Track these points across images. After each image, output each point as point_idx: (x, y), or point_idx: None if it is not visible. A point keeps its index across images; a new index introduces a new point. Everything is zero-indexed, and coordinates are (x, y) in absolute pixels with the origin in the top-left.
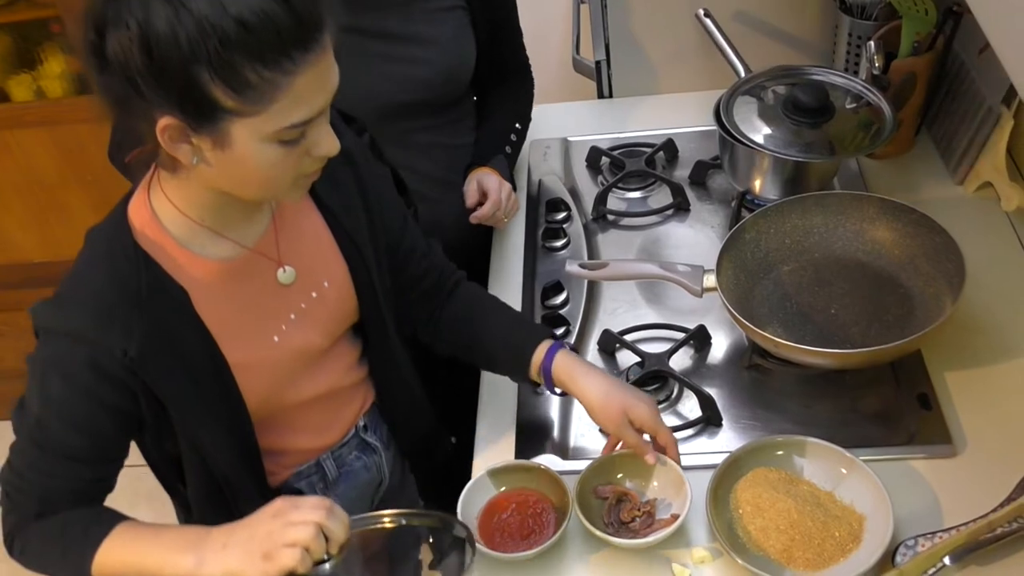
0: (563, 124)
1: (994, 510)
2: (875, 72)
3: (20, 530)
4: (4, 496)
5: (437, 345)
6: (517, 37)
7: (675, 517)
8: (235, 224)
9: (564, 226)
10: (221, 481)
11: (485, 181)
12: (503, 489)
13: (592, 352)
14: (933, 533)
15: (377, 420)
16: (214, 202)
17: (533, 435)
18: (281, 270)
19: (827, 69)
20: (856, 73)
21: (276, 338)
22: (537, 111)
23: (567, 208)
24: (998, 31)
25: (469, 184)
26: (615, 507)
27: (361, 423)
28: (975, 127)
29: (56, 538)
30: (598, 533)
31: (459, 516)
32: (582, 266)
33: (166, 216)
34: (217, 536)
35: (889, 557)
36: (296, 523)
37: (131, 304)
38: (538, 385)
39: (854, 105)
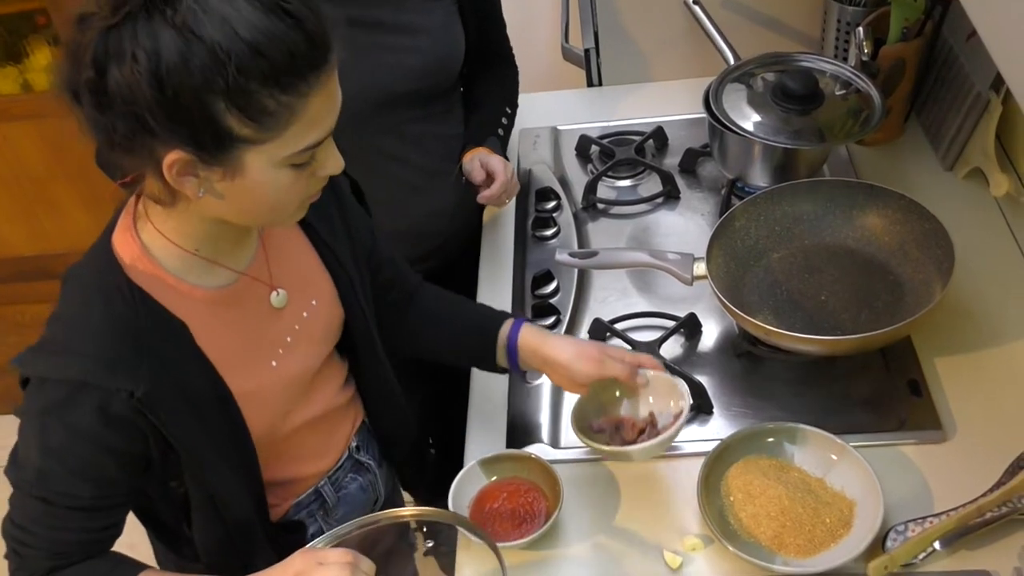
0: (552, 113)
1: (984, 495)
2: (864, 59)
3: None
4: (11, 552)
5: (404, 349)
6: (502, 27)
7: (679, 415)
8: (227, 251)
9: (554, 215)
10: (227, 517)
11: (489, 162)
12: (494, 479)
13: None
14: (923, 518)
15: (368, 438)
16: (208, 231)
17: (524, 426)
18: (274, 293)
19: (816, 56)
20: (845, 60)
21: (274, 363)
22: (526, 100)
23: (557, 197)
24: (984, 17)
25: (471, 163)
26: (616, 434)
27: (354, 443)
28: (964, 113)
29: None
30: (607, 448)
31: (450, 506)
32: (572, 255)
33: (157, 248)
34: None
35: (879, 542)
36: None
37: (132, 344)
38: (506, 370)
39: (843, 92)
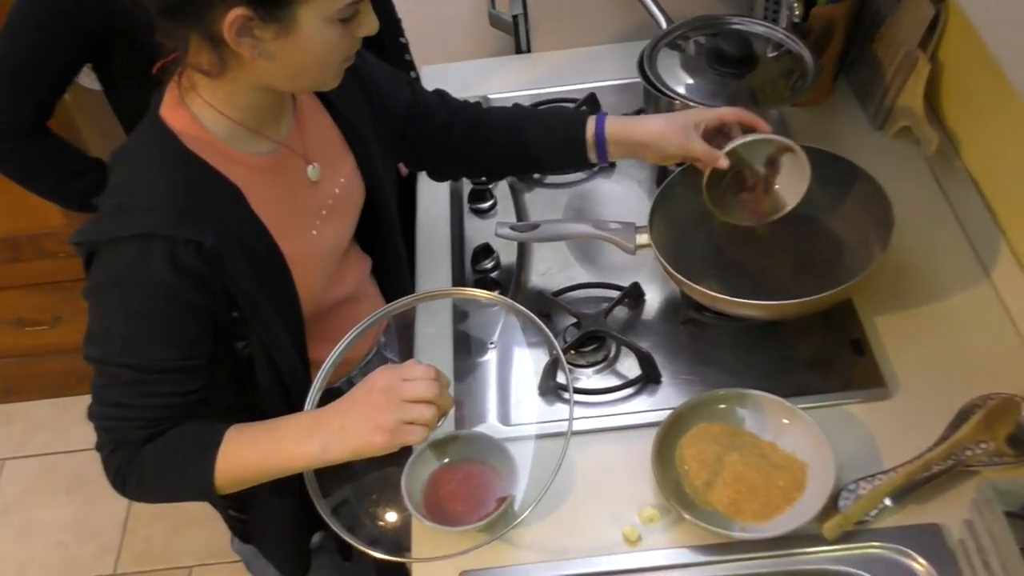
0: (482, 82)
1: (929, 449)
2: (795, 20)
3: (131, 462)
4: (104, 433)
5: (491, 163)
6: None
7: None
8: (269, 122)
9: (490, 187)
10: (288, 380)
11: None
12: (446, 461)
13: None
14: (873, 476)
15: (393, 337)
16: (252, 101)
17: (472, 405)
18: (310, 167)
19: (748, 18)
20: (775, 22)
21: (314, 232)
22: (454, 68)
23: None
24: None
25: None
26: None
27: (382, 339)
28: (892, 73)
29: (172, 455)
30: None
31: (403, 491)
32: (513, 228)
33: (206, 118)
34: (331, 419)
35: (833, 502)
36: (414, 401)
37: (195, 201)
38: (594, 165)
39: (775, 54)
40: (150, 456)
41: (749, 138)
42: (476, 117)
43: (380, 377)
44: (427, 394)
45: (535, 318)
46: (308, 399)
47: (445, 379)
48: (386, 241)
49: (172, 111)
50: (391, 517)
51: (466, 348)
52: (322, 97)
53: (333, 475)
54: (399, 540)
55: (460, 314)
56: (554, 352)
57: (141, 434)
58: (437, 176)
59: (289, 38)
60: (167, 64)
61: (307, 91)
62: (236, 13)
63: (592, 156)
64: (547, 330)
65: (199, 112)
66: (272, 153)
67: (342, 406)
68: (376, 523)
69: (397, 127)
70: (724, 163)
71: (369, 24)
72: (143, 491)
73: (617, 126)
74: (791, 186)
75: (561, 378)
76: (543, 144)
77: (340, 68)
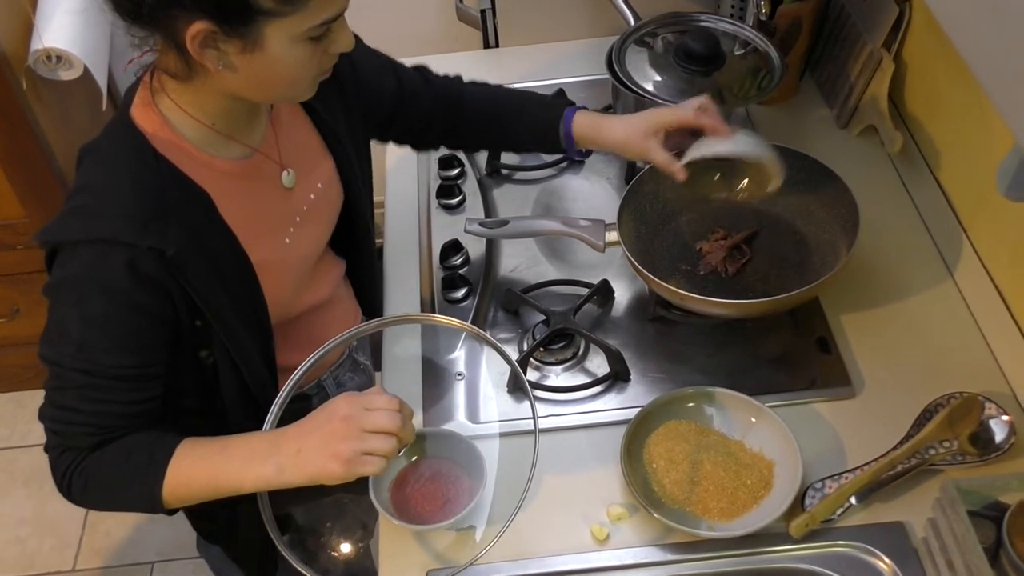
0: None
1: (894, 448)
2: (762, 18)
3: (78, 466)
4: (52, 436)
5: (469, 141)
6: None
7: None
8: (242, 127)
9: (458, 182)
10: (255, 388)
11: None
12: (414, 459)
13: (495, 312)
14: (839, 474)
15: (365, 341)
16: (221, 107)
17: (440, 402)
18: (285, 173)
19: (715, 16)
20: (742, 19)
21: (287, 240)
22: (421, 62)
23: (460, 164)
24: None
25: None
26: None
27: (353, 343)
28: (857, 71)
29: (120, 465)
30: None
31: (370, 490)
32: (483, 224)
33: (177, 121)
34: (288, 442)
35: (799, 501)
36: (374, 432)
37: (161, 207)
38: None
39: (742, 52)
40: (97, 464)
41: (706, 154)
42: (456, 96)
43: (342, 404)
44: (389, 425)
45: (499, 346)
46: (268, 417)
47: (408, 410)
48: (360, 243)
49: (142, 112)
50: (345, 548)
51: (434, 347)
52: (303, 102)
53: (285, 496)
54: (353, 571)
55: (427, 308)
56: (512, 370)
57: (90, 440)
58: (411, 147)
59: (255, 54)
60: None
61: (279, 102)
62: (199, 27)
63: (564, 144)
64: (508, 355)
65: (169, 114)
66: (246, 159)
67: (301, 430)
68: (330, 553)
69: (382, 119)
70: (682, 176)
71: (344, 41)
72: (88, 498)
73: (583, 130)
74: (761, 180)
75: (531, 375)
76: (518, 132)
77: (313, 83)
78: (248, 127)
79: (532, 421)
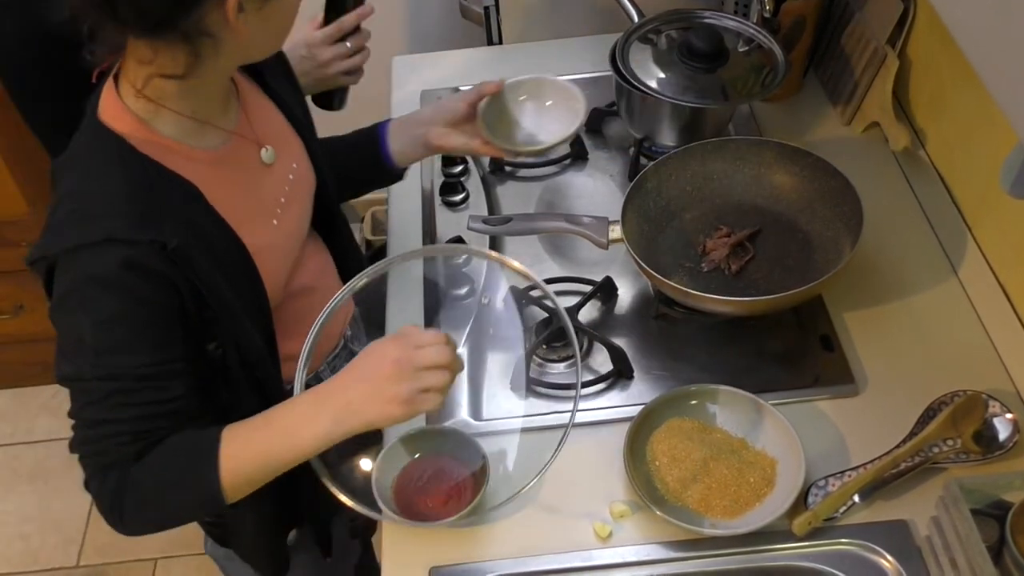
0: (452, 73)
1: (897, 446)
2: (766, 15)
3: (125, 481)
4: (92, 461)
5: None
6: None
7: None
8: (217, 111)
9: (462, 180)
10: (261, 376)
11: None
12: (417, 456)
13: (501, 308)
14: (842, 472)
15: (359, 330)
16: (206, 92)
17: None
18: (263, 150)
19: (719, 12)
20: (746, 16)
21: (275, 221)
22: (425, 59)
23: (464, 161)
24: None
25: None
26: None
27: (348, 332)
28: (862, 69)
29: (169, 466)
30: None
31: (374, 487)
32: (486, 222)
33: (151, 118)
34: (335, 395)
35: (802, 499)
36: (428, 368)
37: (153, 203)
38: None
39: (746, 49)
40: (146, 473)
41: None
42: None
43: (391, 347)
44: (441, 359)
45: (513, 263)
46: (296, 380)
47: (453, 343)
48: (339, 228)
49: (113, 114)
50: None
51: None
52: (257, 81)
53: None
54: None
55: (432, 303)
56: (560, 321)
57: (130, 450)
58: None
59: (272, 3)
60: (104, 72)
61: (262, 59)
62: None
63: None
64: (533, 275)
65: (143, 114)
66: (225, 144)
67: (343, 381)
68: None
69: None
70: (489, 150)
71: None
72: (143, 514)
73: (395, 142)
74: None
75: (534, 373)
76: (359, 181)
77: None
78: (223, 110)
79: (534, 419)
